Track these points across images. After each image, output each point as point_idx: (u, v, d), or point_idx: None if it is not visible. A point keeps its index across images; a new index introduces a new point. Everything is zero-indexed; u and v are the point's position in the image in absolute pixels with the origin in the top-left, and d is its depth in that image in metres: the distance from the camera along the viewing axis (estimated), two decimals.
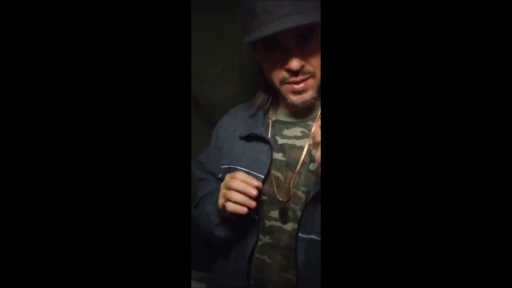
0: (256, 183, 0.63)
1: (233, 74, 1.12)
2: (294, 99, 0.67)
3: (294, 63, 0.62)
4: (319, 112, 0.70)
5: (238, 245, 0.73)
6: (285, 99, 0.69)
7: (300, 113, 0.72)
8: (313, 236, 0.65)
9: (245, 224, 0.71)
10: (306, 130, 0.71)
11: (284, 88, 0.67)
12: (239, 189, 0.63)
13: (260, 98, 0.76)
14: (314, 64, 0.64)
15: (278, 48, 0.64)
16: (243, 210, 0.64)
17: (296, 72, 0.64)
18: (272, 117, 0.74)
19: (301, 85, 0.65)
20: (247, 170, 0.71)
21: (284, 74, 0.65)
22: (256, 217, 0.69)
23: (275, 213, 0.69)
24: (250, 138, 0.73)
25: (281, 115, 0.74)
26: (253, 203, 0.63)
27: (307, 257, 0.65)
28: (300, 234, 0.65)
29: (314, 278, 0.64)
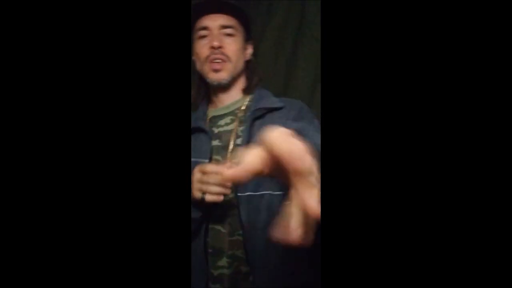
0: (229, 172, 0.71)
1: None
2: (214, 77, 0.87)
3: (215, 42, 0.86)
4: (242, 105, 0.91)
5: (193, 221, 0.83)
6: (206, 79, 0.89)
7: (228, 106, 0.92)
8: (249, 193, 0.81)
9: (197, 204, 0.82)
10: (233, 117, 0.91)
11: (207, 67, 0.87)
12: (215, 183, 0.74)
13: (195, 91, 0.95)
14: (230, 51, 0.87)
15: (207, 34, 0.87)
16: (220, 198, 0.75)
17: (217, 49, 0.85)
18: (208, 115, 0.93)
19: (218, 65, 0.86)
20: (195, 159, 0.84)
21: (207, 52, 0.86)
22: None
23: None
24: (193, 131, 0.89)
25: (214, 112, 0.93)
26: (228, 191, 0.76)
27: (248, 210, 0.80)
28: (238, 194, 0.81)
29: (258, 233, 0.78)
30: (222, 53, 0.86)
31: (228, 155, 0.86)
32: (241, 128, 0.87)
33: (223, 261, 0.81)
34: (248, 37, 0.91)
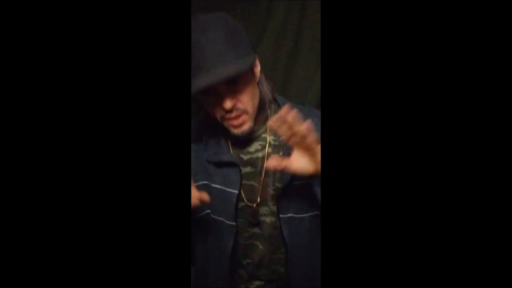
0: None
1: None
2: (235, 131, 0.80)
3: (227, 104, 0.76)
4: (267, 126, 0.86)
5: (222, 247, 0.86)
6: (228, 131, 0.82)
7: (254, 135, 0.86)
8: (290, 214, 0.83)
9: (226, 231, 0.85)
10: (263, 143, 0.87)
11: (226, 124, 0.80)
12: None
13: (198, 125, 0.89)
14: (245, 102, 0.78)
15: (213, 93, 0.76)
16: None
17: (230, 110, 0.77)
18: (229, 140, 0.87)
19: (237, 120, 0.79)
20: (223, 188, 0.84)
21: (221, 112, 0.78)
22: (234, 223, 0.84)
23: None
24: (219, 165, 0.86)
25: (235, 136, 0.84)
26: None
27: (289, 231, 0.83)
28: (280, 215, 0.83)
29: (299, 250, 0.84)
30: (237, 109, 0.77)
31: (263, 180, 0.85)
32: (281, 153, 0.84)
33: (264, 272, 0.87)
34: (252, 57, 0.78)
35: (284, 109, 0.66)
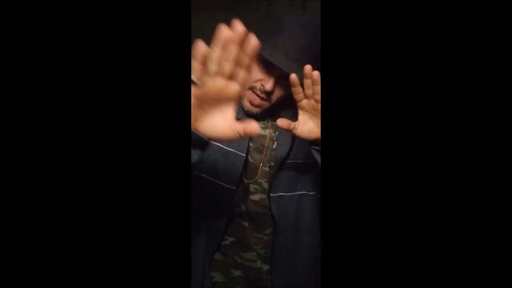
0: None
1: None
2: (246, 105, 0.84)
3: (269, 85, 0.79)
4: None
5: (215, 212, 0.86)
6: (241, 100, 0.85)
7: (258, 117, 0.89)
8: (280, 193, 0.85)
9: (222, 195, 0.85)
10: (266, 123, 0.90)
11: (248, 93, 0.83)
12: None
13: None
14: (276, 97, 0.82)
15: (267, 67, 0.79)
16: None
17: (263, 91, 0.80)
18: (239, 115, 0.89)
19: (259, 102, 0.82)
20: (229, 149, 0.86)
21: (256, 84, 0.81)
22: (234, 188, 0.84)
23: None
24: None
25: (244, 109, 0.89)
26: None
27: (278, 209, 0.84)
28: (271, 194, 0.84)
29: (285, 228, 0.85)
30: (268, 95, 0.81)
31: (263, 157, 0.86)
32: (276, 134, 0.87)
33: (251, 255, 0.86)
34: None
35: (308, 67, 0.66)
